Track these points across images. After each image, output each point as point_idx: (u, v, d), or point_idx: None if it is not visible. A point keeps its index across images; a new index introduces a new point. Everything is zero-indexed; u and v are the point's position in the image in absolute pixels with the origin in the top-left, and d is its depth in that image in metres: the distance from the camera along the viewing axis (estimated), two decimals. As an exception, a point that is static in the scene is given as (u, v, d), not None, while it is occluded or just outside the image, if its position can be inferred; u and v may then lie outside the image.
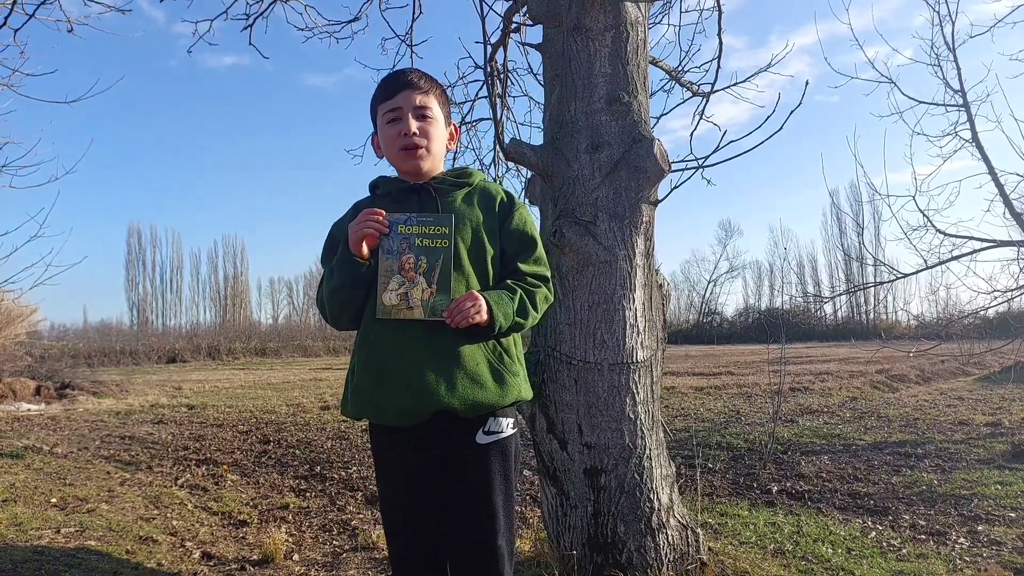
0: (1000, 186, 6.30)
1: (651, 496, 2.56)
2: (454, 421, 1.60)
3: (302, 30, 4.64)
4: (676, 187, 3.29)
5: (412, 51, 4.62)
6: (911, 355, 8.19)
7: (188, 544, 3.33)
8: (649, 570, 2.49)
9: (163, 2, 4.60)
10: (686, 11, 4.50)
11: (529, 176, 3.21)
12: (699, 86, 3.78)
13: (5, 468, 4.70)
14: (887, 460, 5.24)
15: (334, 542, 3.48)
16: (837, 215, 41.22)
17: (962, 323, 8.14)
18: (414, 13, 4.56)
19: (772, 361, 11.31)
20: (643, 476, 2.56)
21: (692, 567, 2.59)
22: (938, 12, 6.24)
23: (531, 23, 3.58)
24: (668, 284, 2.95)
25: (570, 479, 2.60)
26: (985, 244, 6.35)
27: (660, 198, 2.79)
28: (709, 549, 2.83)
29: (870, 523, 3.67)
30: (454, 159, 4.99)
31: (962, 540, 3.37)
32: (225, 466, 5.23)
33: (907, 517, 3.77)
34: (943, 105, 6.39)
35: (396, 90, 1.70)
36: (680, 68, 3.98)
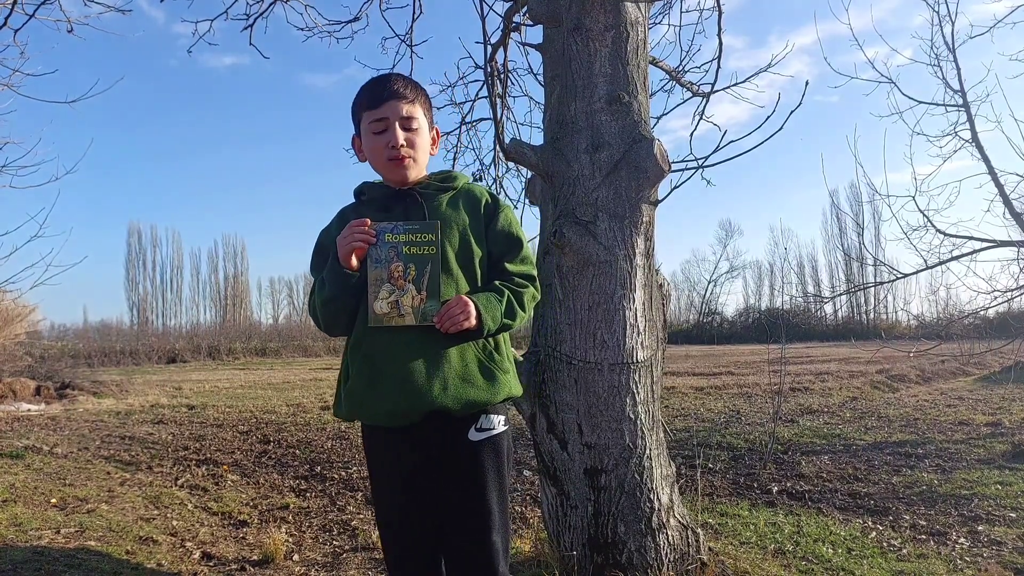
0: (1000, 186, 6.31)
1: (651, 496, 2.56)
2: (447, 420, 1.63)
3: (302, 30, 4.65)
4: (676, 187, 3.29)
5: (412, 51, 4.63)
6: (911, 355, 8.19)
7: (188, 544, 3.33)
8: (649, 570, 2.49)
9: (163, 2, 4.60)
10: (686, 11, 4.51)
11: (529, 176, 3.21)
12: (699, 86, 3.78)
13: (5, 468, 4.70)
14: (887, 460, 5.24)
15: (334, 542, 3.48)
16: (837, 215, 41.23)
17: (962, 323, 8.13)
18: (414, 13, 4.56)
19: (772, 361, 11.31)
20: (643, 476, 2.56)
21: (692, 567, 2.59)
22: (938, 12, 6.25)
23: (531, 23, 3.58)
24: (668, 284, 2.95)
25: (570, 479, 2.60)
26: (985, 244, 6.35)
27: (660, 198, 2.79)
28: (709, 549, 2.83)
29: (870, 523, 3.67)
30: (454, 159, 5.00)
31: (962, 540, 3.36)
32: (225, 466, 5.23)
33: (907, 517, 3.77)
34: (943, 105, 6.40)
35: (382, 99, 1.70)
36: (680, 68, 3.98)
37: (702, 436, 6.27)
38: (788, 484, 4.55)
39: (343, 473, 4.99)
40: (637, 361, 2.60)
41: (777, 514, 3.86)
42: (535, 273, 1.79)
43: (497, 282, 1.70)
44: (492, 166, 4.96)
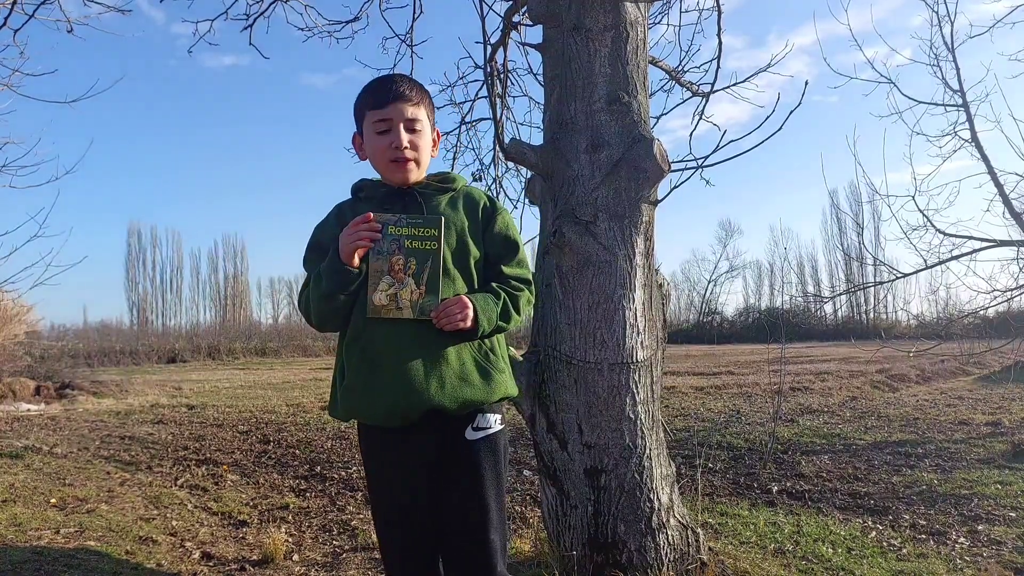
0: (1000, 186, 6.31)
1: (651, 496, 2.56)
2: (444, 419, 1.63)
3: (302, 30, 4.65)
4: (676, 187, 3.29)
5: (412, 51, 4.63)
6: (911, 355, 8.18)
7: (188, 544, 3.33)
8: (649, 570, 2.49)
9: (163, 2, 4.60)
10: (686, 11, 4.49)
11: (529, 176, 3.21)
12: (699, 86, 3.78)
13: (5, 468, 4.70)
14: (887, 460, 5.24)
15: (334, 542, 3.48)
16: (837, 215, 41.15)
17: (962, 323, 8.14)
18: (414, 13, 4.56)
19: (772, 361, 11.31)
20: (643, 476, 2.56)
21: (692, 567, 2.59)
22: (937, 12, 6.26)
23: (531, 23, 3.58)
24: (668, 284, 2.95)
25: (570, 479, 2.60)
26: (985, 244, 6.35)
27: (660, 198, 2.80)
28: (709, 549, 2.83)
29: (870, 523, 3.67)
30: (453, 159, 4.99)
31: (962, 540, 3.37)
32: (225, 466, 5.23)
33: (907, 517, 3.77)
34: (942, 105, 6.40)
35: (387, 100, 1.71)
36: (680, 68, 3.98)
37: (702, 436, 6.26)
38: (788, 484, 4.55)
39: (343, 473, 4.99)
40: (637, 361, 2.60)
41: (777, 514, 3.86)
42: (530, 277, 1.81)
43: (494, 284, 1.72)
44: (492, 166, 4.96)
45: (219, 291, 44.87)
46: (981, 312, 7.33)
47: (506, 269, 1.76)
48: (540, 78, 3.40)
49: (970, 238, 6.33)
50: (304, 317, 1.75)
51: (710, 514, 3.79)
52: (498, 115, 3.78)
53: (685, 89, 3.81)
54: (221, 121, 62.71)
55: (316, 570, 3.06)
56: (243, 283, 45.61)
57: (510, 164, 4.85)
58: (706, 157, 3.12)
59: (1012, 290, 6.62)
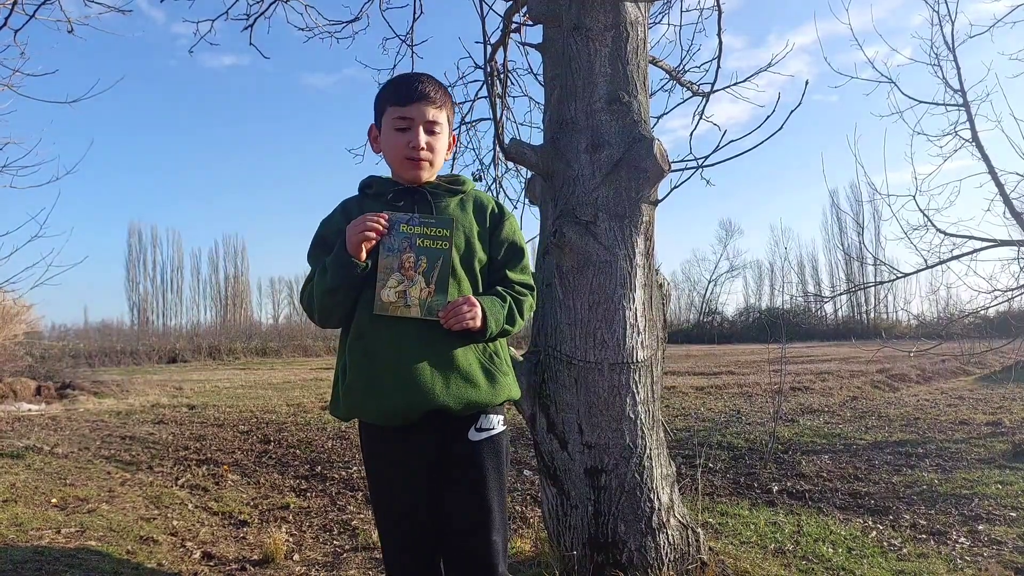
0: (1000, 185, 6.30)
1: (651, 496, 2.56)
2: (446, 419, 1.64)
3: (302, 30, 4.65)
4: (676, 187, 3.30)
5: (412, 51, 4.63)
6: (911, 355, 8.19)
7: (188, 544, 3.33)
8: (649, 570, 2.49)
9: (163, 2, 4.60)
10: (686, 11, 4.48)
11: (529, 176, 3.21)
12: (699, 86, 3.78)
13: (6, 468, 4.70)
14: (888, 460, 5.24)
15: (335, 542, 3.48)
16: (837, 214, 41.14)
17: (962, 322, 8.14)
18: (414, 13, 4.56)
19: (773, 361, 11.30)
20: (643, 476, 2.56)
21: (693, 567, 2.59)
22: (937, 12, 6.25)
23: (531, 23, 3.58)
24: (668, 284, 2.95)
25: (570, 479, 2.60)
26: (985, 244, 6.35)
27: (660, 198, 2.80)
28: (710, 549, 2.83)
29: (871, 523, 3.67)
30: (453, 159, 4.99)
31: (963, 539, 3.37)
32: (226, 466, 5.23)
33: (908, 517, 3.77)
34: (943, 105, 6.39)
35: (411, 99, 1.71)
36: (680, 68, 3.98)
37: (702, 436, 6.27)
38: (788, 483, 4.55)
39: (343, 473, 4.99)
40: (637, 361, 2.60)
41: (777, 513, 3.86)
42: (533, 283, 1.83)
43: (500, 288, 1.73)
44: (492, 166, 4.95)
45: (219, 291, 44.86)
46: (982, 312, 7.33)
47: (511, 274, 1.76)
48: (540, 78, 3.41)
49: (971, 238, 6.33)
50: (306, 313, 1.74)
51: (710, 514, 3.79)
52: (498, 115, 3.78)
53: (685, 89, 3.81)
54: (221, 121, 62.70)
55: (317, 570, 3.06)
56: (243, 283, 45.60)
57: (510, 164, 4.85)
58: (706, 157, 3.13)
59: (1013, 290, 6.62)
